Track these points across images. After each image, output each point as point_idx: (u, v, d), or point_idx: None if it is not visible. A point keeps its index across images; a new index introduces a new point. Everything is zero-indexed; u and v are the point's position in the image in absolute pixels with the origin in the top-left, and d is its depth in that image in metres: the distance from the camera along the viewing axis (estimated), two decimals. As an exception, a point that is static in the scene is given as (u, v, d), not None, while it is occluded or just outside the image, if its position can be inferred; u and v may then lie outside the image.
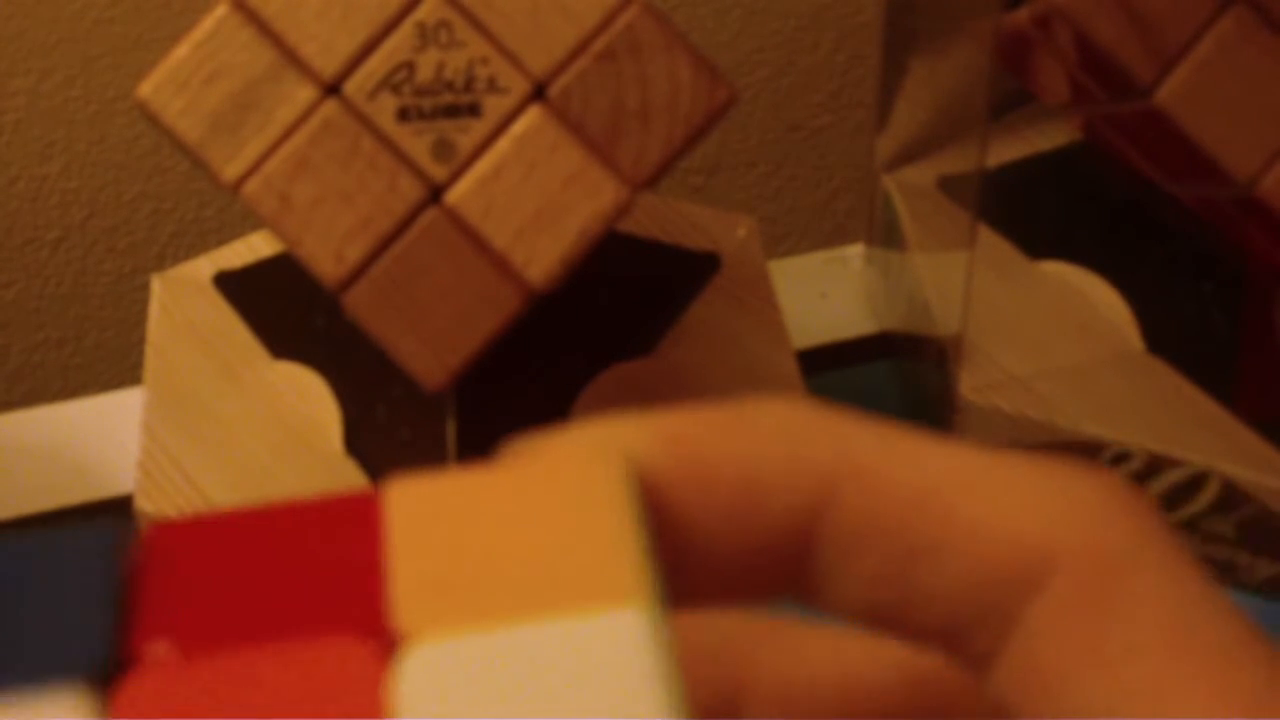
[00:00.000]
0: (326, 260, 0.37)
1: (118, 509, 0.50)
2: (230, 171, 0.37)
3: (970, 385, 0.50)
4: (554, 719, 0.11)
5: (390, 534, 0.13)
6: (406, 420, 0.46)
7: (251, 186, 0.37)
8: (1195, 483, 0.48)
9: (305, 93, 0.37)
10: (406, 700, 0.11)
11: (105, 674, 0.11)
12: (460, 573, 0.12)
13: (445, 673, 0.11)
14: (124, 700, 0.11)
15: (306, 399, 0.48)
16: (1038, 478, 0.14)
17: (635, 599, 0.12)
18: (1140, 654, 0.13)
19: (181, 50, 0.37)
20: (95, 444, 0.54)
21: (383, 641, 0.12)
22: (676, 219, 0.52)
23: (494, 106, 0.38)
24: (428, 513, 0.13)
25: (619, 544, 0.13)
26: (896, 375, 0.58)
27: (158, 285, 0.51)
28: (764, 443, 0.14)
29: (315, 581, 0.12)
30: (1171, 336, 0.50)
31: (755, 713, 0.16)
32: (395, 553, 0.12)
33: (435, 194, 0.38)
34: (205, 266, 0.51)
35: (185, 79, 0.37)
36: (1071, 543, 0.14)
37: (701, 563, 0.14)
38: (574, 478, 0.13)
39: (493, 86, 0.38)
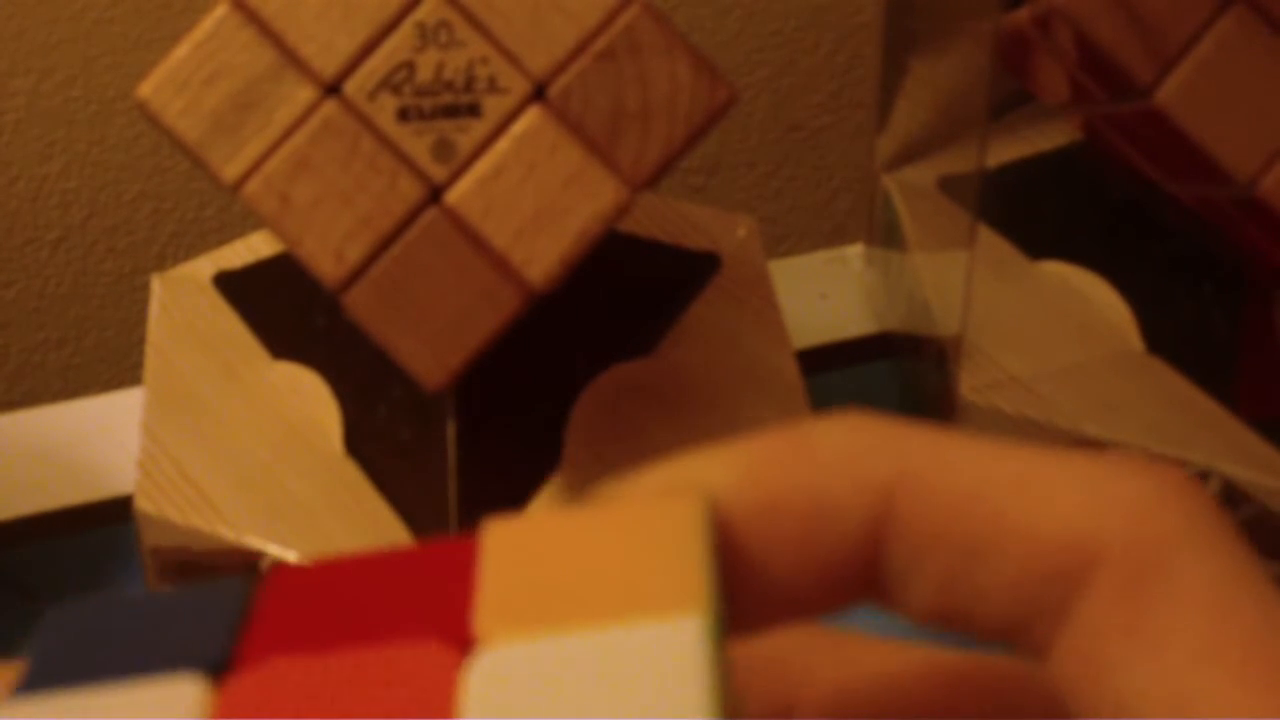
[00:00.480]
0: (326, 260, 0.37)
1: (118, 509, 0.50)
2: (230, 171, 0.37)
3: (970, 385, 0.50)
4: (593, 712, 0.13)
5: (482, 562, 0.14)
6: (406, 420, 0.46)
7: (251, 186, 0.37)
8: (1195, 483, 0.48)
9: (305, 93, 0.37)
10: (472, 694, 0.13)
11: (220, 671, 0.14)
12: (535, 589, 0.14)
13: (507, 671, 0.13)
14: (230, 689, 0.14)
15: (306, 399, 0.48)
16: (1087, 472, 0.14)
17: (692, 607, 0.13)
18: (1177, 636, 0.13)
19: (181, 50, 0.37)
20: (95, 444, 0.54)
21: (462, 646, 0.14)
22: (676, 219, 0.52)
23: (494, 106, 0.38)
24: (517, 544, 0.15)
25: (683, 562, 0.14)
26: (896, 375, 0.58)
27: (158, 285, 0.51)
28: (829, 469, 0.15)
29: (411, 605, 0.14)
30: (1171, 336, 0.50)
31: None
32: (484, 576, 0.14)
33: (435, 194, 0.38)
34: (205, 266, 0.51)
35: (185, 79, 0.37)
36: (1117, 534, 0.14)
37: (774, 587, 0.15)
38: (651, 513, 0.15)
39: (493, 86, 0.38)
